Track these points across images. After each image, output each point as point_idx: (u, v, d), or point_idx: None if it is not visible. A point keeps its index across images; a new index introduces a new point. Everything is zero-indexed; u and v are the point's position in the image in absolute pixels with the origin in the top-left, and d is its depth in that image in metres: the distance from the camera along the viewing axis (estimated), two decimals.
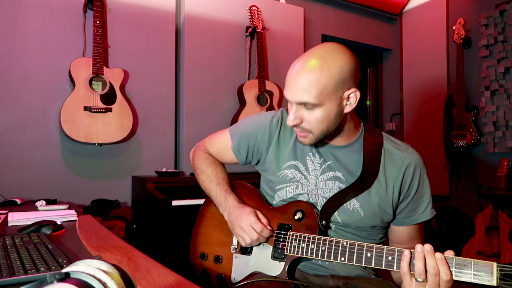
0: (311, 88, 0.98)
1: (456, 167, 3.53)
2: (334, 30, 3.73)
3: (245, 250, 1.14)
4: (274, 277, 1.06)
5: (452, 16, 3.64)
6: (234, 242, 1.17)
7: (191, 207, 2.10)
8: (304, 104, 1.00)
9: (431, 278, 0.85)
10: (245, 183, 1.30)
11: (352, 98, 1.03)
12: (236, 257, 1.16)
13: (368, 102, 4.43)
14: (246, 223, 1.08)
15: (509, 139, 3.20)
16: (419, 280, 0.87)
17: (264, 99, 2.99)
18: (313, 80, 0.98)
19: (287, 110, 1.23)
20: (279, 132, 1.19)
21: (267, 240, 1.11)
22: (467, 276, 0.83)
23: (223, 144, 1.29)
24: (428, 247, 0.87)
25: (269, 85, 3.02)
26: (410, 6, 4.08)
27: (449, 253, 0.87)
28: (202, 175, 1.29)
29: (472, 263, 0.83)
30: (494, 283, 0.81)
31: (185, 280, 0.72)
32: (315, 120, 1.01)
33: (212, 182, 1.25)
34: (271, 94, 3.00)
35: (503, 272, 0.81)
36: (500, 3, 3.29)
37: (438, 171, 3.65)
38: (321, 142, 1.13)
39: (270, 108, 2.97)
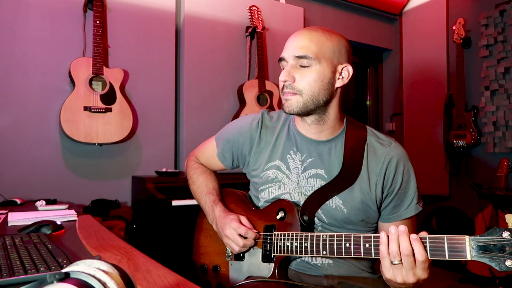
0: (311, 44, 1.03)
1: (456, 167, 3.53)
2: (334, 30, 3.71)
3: (239, 257, 1.15)
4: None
5: (452, 16, 3.64)
6: (228, 250, 1.18)
7: (191, 207, 2.10)
8: (301, 60, 1.03)
9: (405, 260, 0.84)
10: (232, 189, 1.31)
11: (345, 72, 1.07)
12: (231, 264, 1.17)
13: (368, 102, 4.43)
14: (230, 231, 1.09)
15: (509, 139, 3.20)
16: (395, 262, 0.86)
17: (264, 99, 2.99)
18: (314, 38, 1.04)
19: (269, 111, 1.25)
20: (259, 134, 1.19)
21: (255, 244, 1.11)
22: (441, 253, 0.82)
23: (210, 152, 1.31)
24: (402, 227, 0.86)
25: (269, 85, 3.02)
26: (410, 6, 4.08)
27: (423, 234, 0.86)
28: (193, 186, 1.32)
29: (445, 238, 0.82)
30: (468, 257, 0.80)
31: (185, 280, 0.72)
32: (308, 79, 1.03)
33: (202, 192, 1.27)
34: (271, 94, 3.00)
35: (476, 245, 0.80)
36: (500, 3, 3.29)
37: (438, 171, 3.66)
38: (303, 138, 1.12)
39: (270, 108, 2.97)
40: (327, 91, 1.05)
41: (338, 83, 1.07)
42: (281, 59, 1.08)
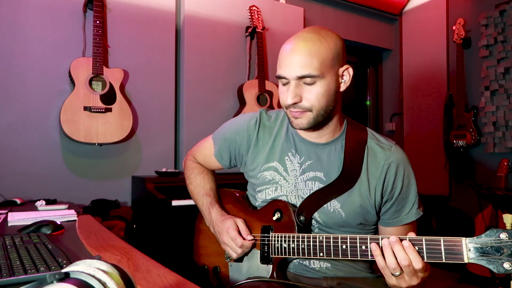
0: (312, 60, 0.96)
1: (456, 167, 3.53)
2: (334, 30, 3.66)
3: (238, 258, 1.14)
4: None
5: (452, 16, 3.64)
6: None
7: (191, 207, 2.09)
8: (304, 79, 0.97)
9: (406, 269, 0.84)
10: (230, 190, 1.30)
11: (346, 75, 1.04)
12: (231, 265, 1.17)
13: (368, 102, 4.43)
14: (227, 239, 1.09)
15: (509, 139, 3.20)
16: (396, 274, 0.85)
17: (264, 99, 2.99)
18: (313, 51, 0.96)
19: (268, 110, 1.23)
20: (257, 134, 1.17)
21: (254, 245, 1.10)
22: (438, 255, 0.81)
23: (207, 151, 1.29)
24: (393, 238, 0.85)
25: (269, 85, 3.02)
26: (410, 6, 4.08)
27: (411, 235, 0.85)
28: (191, 186, 1.31)
29: (442, 240, 0.81)
30: (465, 259, 0.79)
31: (185, 280, 0.72)
32: (316, 95, 0.98)
33: (199, 193, 1.27)
34: (271, 94, 3.00)
35: (473, 247, 0.79)
36: (500, 3, 3.30)
37: (438, 171, 3.66)
38: (302, 140, 1.11)
39: (270, 108, 2.97)
40: (334, 100, 1.02)
41: (342, 88, 1.04)
42: (280, 77, 1.01)
